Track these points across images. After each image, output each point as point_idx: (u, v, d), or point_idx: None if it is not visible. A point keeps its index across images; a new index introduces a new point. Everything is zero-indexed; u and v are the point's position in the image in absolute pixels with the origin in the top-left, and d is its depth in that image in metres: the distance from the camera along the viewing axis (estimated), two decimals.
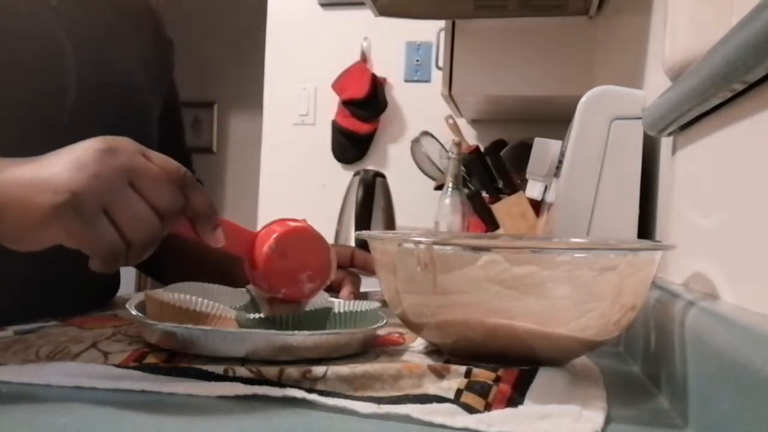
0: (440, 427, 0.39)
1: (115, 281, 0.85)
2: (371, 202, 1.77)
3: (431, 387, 0.43)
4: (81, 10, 0.72)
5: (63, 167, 0.45)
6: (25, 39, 0.66)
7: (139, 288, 2.90)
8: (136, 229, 0.46)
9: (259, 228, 0.56)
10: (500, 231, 1.52)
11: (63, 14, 0.70)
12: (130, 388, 0.43)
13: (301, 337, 0.48)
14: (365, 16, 1.69)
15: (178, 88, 0.93)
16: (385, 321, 0.56)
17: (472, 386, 0.43)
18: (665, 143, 0.75)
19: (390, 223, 1.79)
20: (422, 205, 1.99)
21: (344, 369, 0.45)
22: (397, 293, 0.51)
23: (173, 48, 0.91)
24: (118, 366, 0.47)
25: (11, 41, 0.64)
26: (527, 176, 1.11)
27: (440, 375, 0.44)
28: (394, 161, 2.34)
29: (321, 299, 0.61)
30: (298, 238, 0.54)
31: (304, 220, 0.56)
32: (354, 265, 0.78)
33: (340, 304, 0.59)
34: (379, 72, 2.34)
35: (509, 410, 0.41)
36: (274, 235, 0.53)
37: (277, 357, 0.48)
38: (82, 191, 0.44)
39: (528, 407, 0.41)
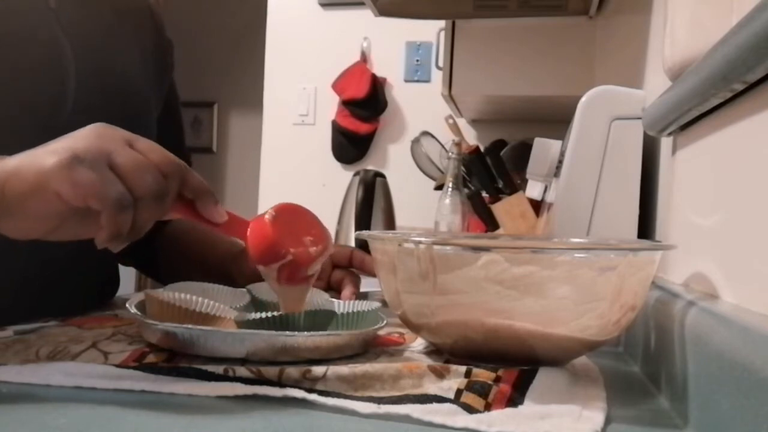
0: (440, 427, 0.39)
1: (114, 280, 0.85)
2: (371, 202, 1.76)
3: (431, 387, 0.43)
4: (80, 11, 0.72)
5: (62, 140, 0.46)
6: (23, 40, 0.66)
7: (139, 288, 2.90)
8: (142, 181, 0.45)
9: None
10: (500, 231, 1.52)
11: (62, 15, 0.70)
12: (130, 388, 0.43)
13: (301, 338, 0.48)
14: (365, 16, 1.69)
15: (177, 88, 0.93)
16: (385, 322, 0.56)
17: (472, 386, 0.43)
18: (665, 143, 0.75)
19: (390, 223, 1.79)
20: (422, 205, 1.99)
21: (344, 369, 0.45)
22: (397, 293, 0.51)
23: (173, 48, 0.91)
24: (118, 366, 0.47)
25: (10, 43, 0.64)
26: (527, 176, 1.11)
27: (440, 375, 0.44)
28: (394, 161, 2.34)
29: (322, 300, 0.61)
30: (292, 212, 0.56)
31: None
32: (352, 265, 0.78)
33: (340, 305, 0.59)
34: (379, 72, 2.34)
35: (509, 410, 0.41)
36: (271, 208, 0.54)
37: (278, 358, 0.48)
38: (85, 147, 0.45)
39: (528, 407, 0.41)
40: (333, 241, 0.57)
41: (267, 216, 0.53)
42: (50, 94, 0.67)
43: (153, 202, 0.46)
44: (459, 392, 0.42)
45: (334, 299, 0.62)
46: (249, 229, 0.53)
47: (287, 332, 0.48)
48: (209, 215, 0.51)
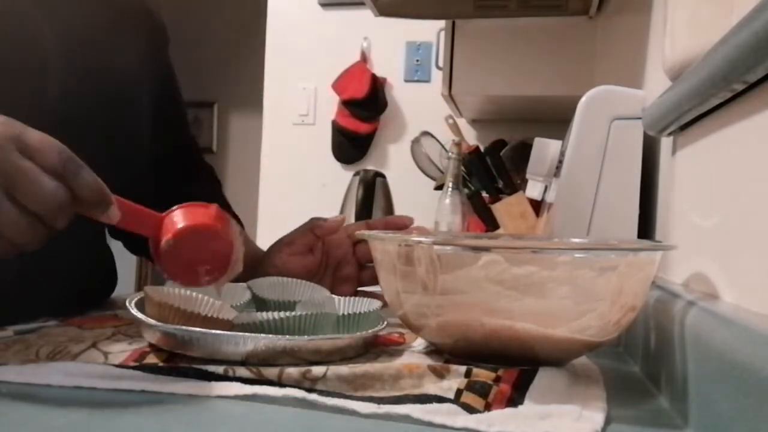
0: (440, 427, 0.39)
1: (110, 279, 0.85)
2: (371, 202, 1.77)
3: (431, 387, 0.43)
4: (76, 14, 0.72)
5: None
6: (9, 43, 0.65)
7: (139, 287, 2.90)
8: (17, 239, 0.46)
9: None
10: (500, 231, 1.52)
11: (51, 18, 0.69)
12: (130, 388, 0.43)
13: (302, 342, 0.48)
14: (365, 16, 1.69)
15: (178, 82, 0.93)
16: (385, 323, 0.56)
17: (472, 386, 0.43)
18: (665, 143, 0.75)
19: None
20: (422, 205, 1.99)
21: (344, 369, 0.45)
22: (398, 294, 0.51)
23: (167, 33, 0.90)
24: (118, 366, 0.47)
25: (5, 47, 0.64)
26: (527, 176, 1.11)
27: (440, 375, 0.44)
28: (394, 161, 2.34)
29: (323, 297, 0.61)
30: (199, 235, 0.52)
31: (215, 206, 0.54)
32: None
33: (341, 305, 0.59)
34: (379, 72, 2.34)
35: (509, 410, 0.41)
36: (174, 231, 0.51)
37: (278, 361, 0.48)
38: None
39: (528, 407, 0.41)
40: (239, 264, 0.54)
41: (164, 243, 0.51)
42: (35, 93, 0.67)
43: (36, 246, 0.47)
44: (459, 392, 0.42)
45: (334, 296, 0.61)
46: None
47: (287, 336, 0.48)
48: (100, 219, 0.49)
